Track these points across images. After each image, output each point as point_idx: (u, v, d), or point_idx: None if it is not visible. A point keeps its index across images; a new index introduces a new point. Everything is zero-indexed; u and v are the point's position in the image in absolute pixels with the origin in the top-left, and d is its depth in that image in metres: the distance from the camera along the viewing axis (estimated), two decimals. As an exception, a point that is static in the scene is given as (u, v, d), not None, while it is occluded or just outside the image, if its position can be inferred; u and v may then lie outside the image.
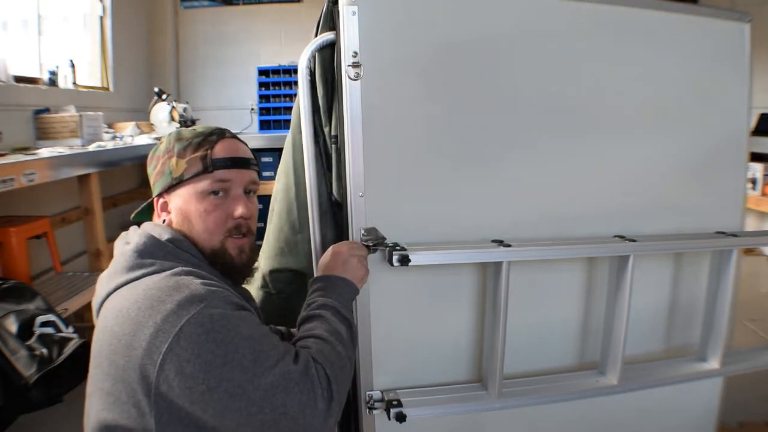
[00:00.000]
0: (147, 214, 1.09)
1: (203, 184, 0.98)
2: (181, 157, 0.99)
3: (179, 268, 0.90)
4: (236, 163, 1.00)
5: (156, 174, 1.02)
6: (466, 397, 1.24)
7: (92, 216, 2.92)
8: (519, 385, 1.27)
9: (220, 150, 1.00)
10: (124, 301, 0.87)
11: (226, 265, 1.00)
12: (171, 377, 0.80)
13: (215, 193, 0.98)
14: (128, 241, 0.97)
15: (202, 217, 0.98)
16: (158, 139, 3.24)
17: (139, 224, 1.04)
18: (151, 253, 0.93)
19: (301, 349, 0.90)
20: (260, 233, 1.44)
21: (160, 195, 1.02)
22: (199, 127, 1.04)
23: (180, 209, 0.99)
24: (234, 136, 1.05)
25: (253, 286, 1.43)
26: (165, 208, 1.02)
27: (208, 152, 0.99)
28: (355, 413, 1.23)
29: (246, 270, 1.04)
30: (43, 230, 2.58)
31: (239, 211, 0.99)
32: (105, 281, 0.94)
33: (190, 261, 0.95)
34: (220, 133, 1.02)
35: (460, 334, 1.28)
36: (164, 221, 1.01)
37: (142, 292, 0.86)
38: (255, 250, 1.06)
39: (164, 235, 0.96)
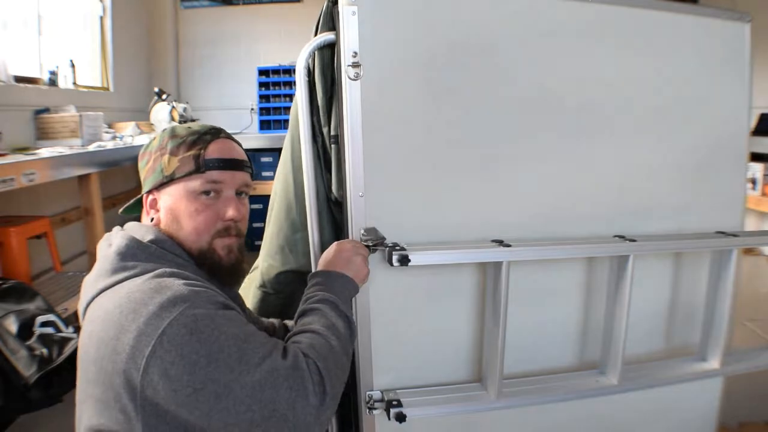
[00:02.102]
0: (136, 209, 1.07)
1: (194, 183, 0.97)
2: (174, 155, 0.98)
3: (162, 270, 0.89)
4: (229, 164, 1.00)
5: (147, 170, 1.01)
6: (466, 397, 1.24)
7: (92, 216, 2.92)
8: (519, 385, 1.27)
9: (214, 150, 0.99)
10: (107, 305, 0.86)
11: (214, 265, 0.99)
12: (156, 380, 0.79)
13: (206, 193, 0.97)
14: (111, 243, 0.96)
15: (191, 217, 0.97)
16: (158, 139, 3.23)
17: (123, 224, 1.03)
18: (134, 255, 0.92)
19: (291, 345, 0.89)
20: (260, 233, 1.44)
21: (149, 192, 1.00)
22: (194, 125, 1.02)
23: (169, 207, 0.98)
24: (229, 137, 1.04)
25: (252, 286, 1.43)
26: (154, 205, 1.00)
27: (201, 152, 0.97)
28: (355, 413, 1.23)
29: (234, 270, 1.02)
30: (43, 230, 2.59)
31: (230, 213, 0.99)
32: (89, 285, 0.93)
33: (174, 262, 0.94)
34: (215, 133, 1.01)
35: (460, 334, 1.28)
36: (152, 219, 1.00)
37: (125, 295, 0.85)
38: (243, 251, 1.04)
39: (147, 237, 0.95)
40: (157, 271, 0.88)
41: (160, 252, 0.93)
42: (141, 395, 0.80)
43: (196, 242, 0.97)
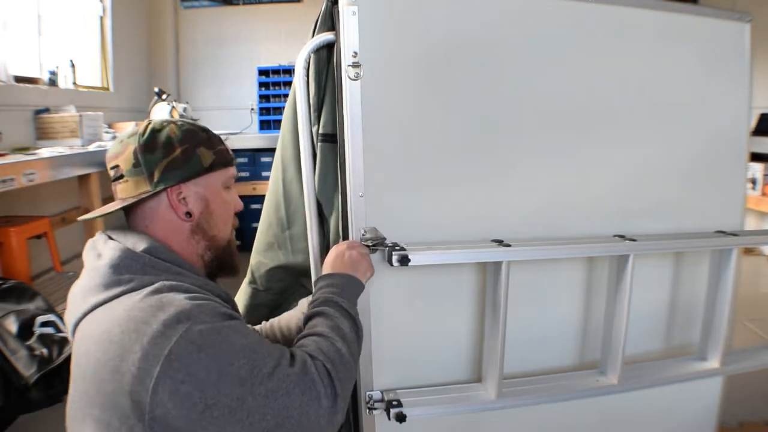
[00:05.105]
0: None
1: (226, 177, 1.01)
2: (209, 148, 0.98)
3: (160, 284, 0.85)
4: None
5: (169, 162, 0.93)
6: (466, 397, 1.23)
7: (92, 216, 2.92)
8: (519, 385, 1.27)
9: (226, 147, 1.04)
10: (104, 324, 0.82)
11: (231, 256, 1.04)
12: (166, 400, 0.77)
13: (227, 187, 1.03)
14: (100, 254, 0.91)
15: (223, 208, 1.01)
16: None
17: (109, 228, 0.98)
18: (129, 267, 0.87)
19: (297, 350, 0.89)
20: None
21: (172, 186, 0.94)
22: (193, 124, 1.02)
23: (204, 199, 0.98)
24: None
25: (244, 282, 1.44)
26: (179, 198, 0.95)
27: (223, 147, 1.02)
28: (355, 413, 1.23)
29: (235, 262, 1.07)
30: (43, 230, 2.59)
31: (240, 205, 1.05)
32: (80, 298, 0.88)
33: (170, 271, 0.90)
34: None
35: (460, 334, 1.28)
36: (188, 214, 0.95)
37: (124, 313, 0.81)
38: None
39: (139, 246, 0.90)
40: (155, 286, 0.85)
41: (154, 262, 0.90)
42: (150, 416, 0.77)
43: (225, 233, 1.02)
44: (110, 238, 0.94)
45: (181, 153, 0.94)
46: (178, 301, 0.82)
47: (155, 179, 0.93)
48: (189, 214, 0.96)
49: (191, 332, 0.79)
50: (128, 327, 0.80)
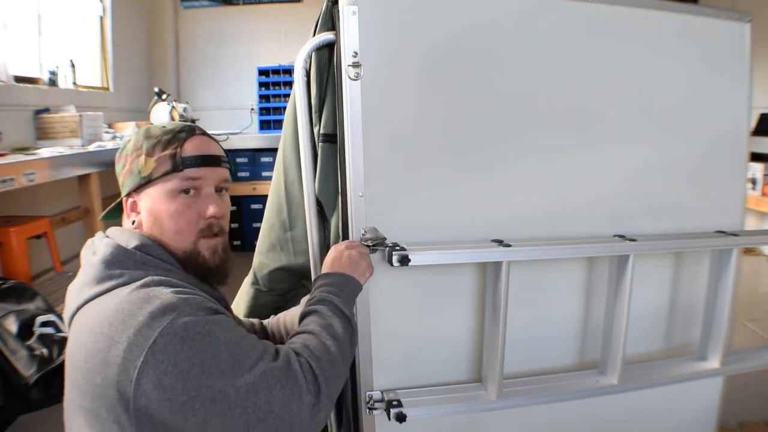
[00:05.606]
0: (116, 213, 1.05)
1: (173, 183, 0.95)
2: (150, 156, 0.96)
3: (149, 278, 0.88)
4: (206, 160, 0.98)
5: (125, 173, 0.99)
6: (466, 397, 1.23)
7: (92, 216, 2.93)
8: (519, 385, 1.27)
9: (190, 148, 0.97)
10: (95, 316, 0.85)
11: (200, 267, 0.97)
12: (149, 390, 0.78)
13: (186, 192, 0.96)
14: (95, 251, 0.94)
15: (172, 218, 0.95)
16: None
17: (107, 227, 1.02)
18: (120, 263, 0.90)
19: (283, 346, 0.89)
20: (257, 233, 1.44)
21: (128, 195, 0.99)
22: (168, 124, 1.01)
23: (150, 210, 0.96)
24: (204, 133, 1.02)
25: (246, 283, 1.44)
26: (134, 208, 0.99)
27: (177, 150, 0.96)
28: (355, 413, 1.23)
29: (221, 270, 1.01)
30: (43, 230, 2.59)
31: (211, 210, 0.97)
32: (75, 294, 0.91)
33: (160, 267, 0.92)
34: (190, 131, 1.00)
35: (460, 334, 1.28)
36: (134, 222, 0.98)
37: (113, 306, 0.84)
38: (228, 250, 1.02)
39: (131, 243, 0.93)
40: (144, 280, 0.87)
41: (145, 258, 0.92)
42: (134, 406, 0.79)
43: (180, 243, 0.96)
44: (106, 236, 0.97)
45: (129, 164, 0.99)
46: (165, 294, 0.84)
47: (122, 188, 1.01)
48: (134, 222, 0.99)
49: (175, 324, 0.80)
50: (116, 319, 0.82)
